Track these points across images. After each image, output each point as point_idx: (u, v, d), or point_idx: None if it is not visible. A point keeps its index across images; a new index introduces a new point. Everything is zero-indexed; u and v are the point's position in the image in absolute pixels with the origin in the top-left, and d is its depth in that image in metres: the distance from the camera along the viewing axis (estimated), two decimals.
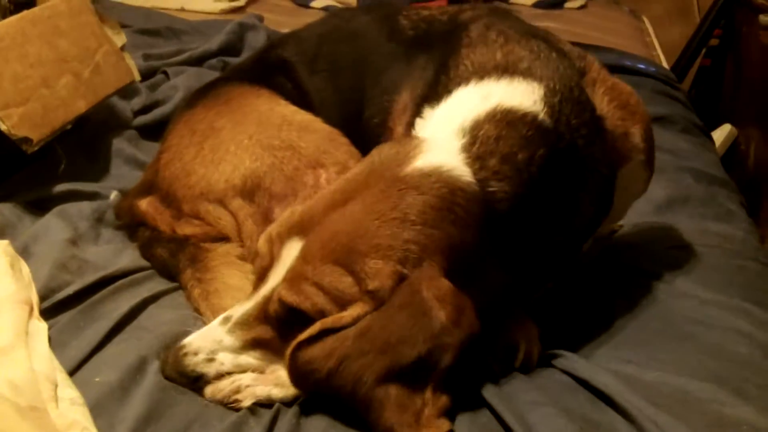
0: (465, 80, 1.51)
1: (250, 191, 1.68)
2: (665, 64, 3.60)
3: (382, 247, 1.28)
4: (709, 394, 1.39)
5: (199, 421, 1.31)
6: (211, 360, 1.36)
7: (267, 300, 1.35)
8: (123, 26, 2.72)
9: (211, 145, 1.75)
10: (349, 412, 1.32)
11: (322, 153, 1.71)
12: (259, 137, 1.72)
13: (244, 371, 1.37)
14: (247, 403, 1.35)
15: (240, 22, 3.17)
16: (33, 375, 1.27)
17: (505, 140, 1.38)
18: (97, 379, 1.35)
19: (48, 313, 1.50)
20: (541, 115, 1.42)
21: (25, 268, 1.54)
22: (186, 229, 1.74)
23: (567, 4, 4.30)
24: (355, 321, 1.26)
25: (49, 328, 1.44)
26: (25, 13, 1.98)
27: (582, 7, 4.31)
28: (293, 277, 1.31)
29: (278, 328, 1.35)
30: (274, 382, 1.37)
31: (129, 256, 1.76)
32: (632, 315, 1.64)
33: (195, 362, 1.36)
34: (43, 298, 1.53)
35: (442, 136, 1.42)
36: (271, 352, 1.37)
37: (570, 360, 1.47)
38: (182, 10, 3.79)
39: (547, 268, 1.50)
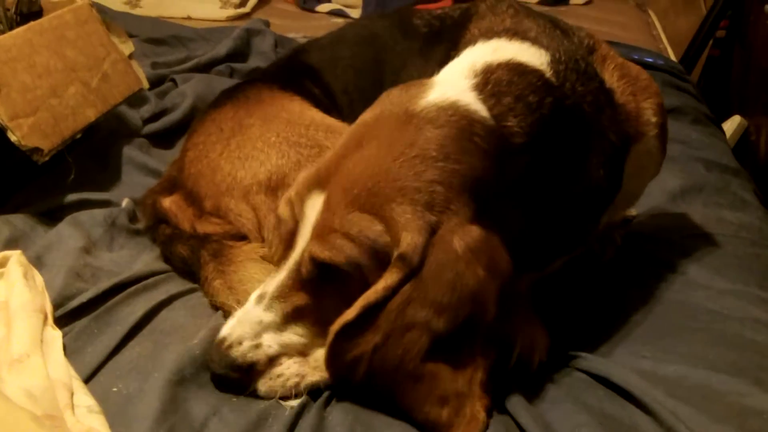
0: (472, 42, 1.51)
1: (274, 187, 1.68)
2: (673, 57, 3.59)
3: (407, 190, 1.25)
4: (729, 386, 1.38)
5: (217, 415, 1.31)
6: (258, 346, 1.34)
7: (299, 265, 1.32)
8: (130, 36, 2.72)
9: (238, 141, 1.76)
10: (374, 405, 1.33)
11: None
12: (287, 135, 1.72)
13: (290, 351, 1.35)
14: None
15: (247, 28, 3.17)
16: (49, 383, 1.27)
17: (516, 84, 1.38)
18: (114, 390, 1.35)
19: (63, 321, 1.50)
20: (548, 74, 1.43)
21: (38, 278, 1.54)
22: (206, 227, 1.74)
23: (573, 0, 4.29)
24: (392, 290, 1.24)
25: (65, 336, 1.44)
26: (31, 24, 1.98)
27: (588, 2, 4.30)
28: (321, 232, 1.28)
29: (314, 292, 1.33)
30: (314, 366, 1.36)
31: (143, 261, 1.76)
32: (648, 308, 1.63)
33: (242, 352, 1.33)
34: (57, 306, 1.53)
35: (452, 77, 1.41)
36: (312, 323, 1.35)
37: (586, 359, 1.46)
38: (188, 18, 3.79)
39: (560, 230, 1.47)
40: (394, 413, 1.32)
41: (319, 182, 1.32)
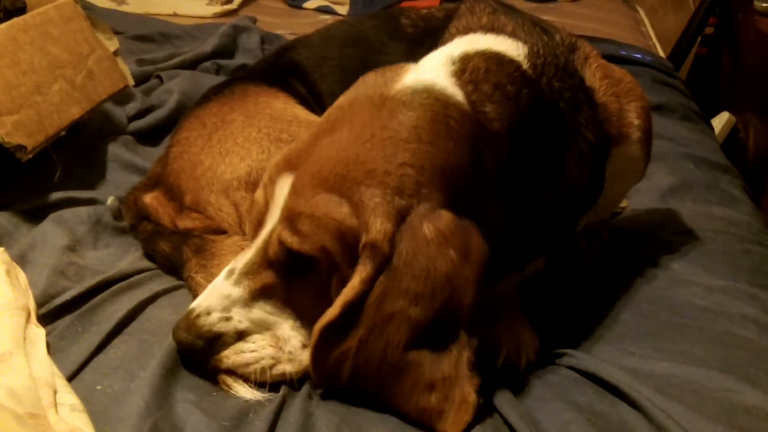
0: (449, 41, 1.51)
1: (254, 183, 1.66)
2: (661, 54, 3.59)
3: (377, 173, 1.23)
4: (718, 382, 1.37)
5: (198, 409, 1.29)
6: (228, 319, 1.32)
7: (267, 244, 1.31)
8: (116, 33, 2.69)
9: (220, 136, 1.75)
10: (361, 404, 1.31)
11: None
12: (268, 131, 1.72)
13: (260, 330, 1.34)
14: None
15: (233, 25, 3.16)
16: (32, 382, 1.25)
17: (494, 73, 1.37)
18: (98, 388, 1.33)
19: (46, 319, 1.49)
20: (525, 66, 1.42)
21: (21, 276, 1.53)
22: (186, 222, 1.73)
23: None
24: (369, 282, 1.23)
25: (48, 334, 1.42)
26: (15, 20, 1.96)
27: None
28: (289, 215, 1.27)
29: (282, 272, 1.32)
30: (288, 357, 1.35)
31: (128, 260, 1.74)
32: (637, 305, 1.62)
33: (210, 322, 1.32)
34: (41, 304, 1.51)
35: (430, 64, 1.40)
36: (281, 302, 1.34)
37: (575, 357, 1.46)
38: (175, 15, 3.77)
39: (537, 228, 1.45)
40: (381, 413, 1.30)
41: (289, 165, 1.31)
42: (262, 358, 1.34)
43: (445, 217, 1.23)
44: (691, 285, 1.67)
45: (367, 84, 1.36)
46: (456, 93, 1.32)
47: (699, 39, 3.97)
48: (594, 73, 1.56)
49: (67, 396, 1.27)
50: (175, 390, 1.33)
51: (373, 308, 1.23)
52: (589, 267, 1.75)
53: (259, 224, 1.35)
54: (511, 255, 1.39)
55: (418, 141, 1.25)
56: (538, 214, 1.42)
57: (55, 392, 1.26)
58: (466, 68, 1.37)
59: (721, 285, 1.67)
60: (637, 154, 1.63)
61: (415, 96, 1.29)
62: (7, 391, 1.22)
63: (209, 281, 1.50)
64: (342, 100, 1.37)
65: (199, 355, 1.34)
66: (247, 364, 1.34)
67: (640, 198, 2.03)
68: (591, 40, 1.90)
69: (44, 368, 1.31)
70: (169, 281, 1.68)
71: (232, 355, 1.34)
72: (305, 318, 1.34)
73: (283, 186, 1.30)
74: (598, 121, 1.51)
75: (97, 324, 1.49)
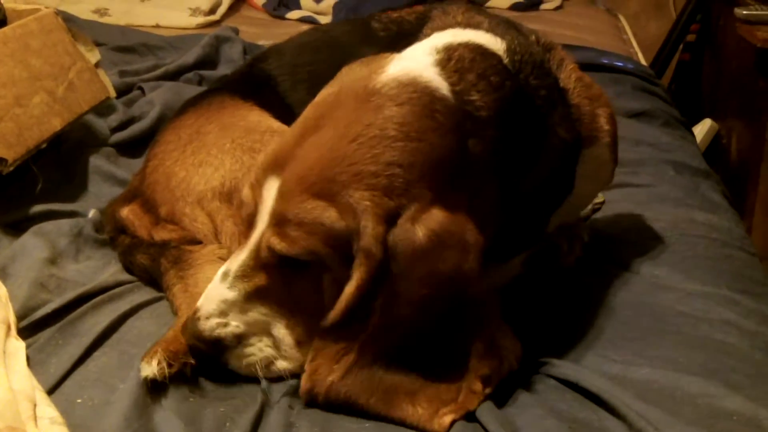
0: (425, 37, 1.51)
1: (228, 193, 1.66)
2: (643, 61, 3.60)
3: (364, 174, 1.22)
4: (699, 388, 1.37)
5: (177, 417, 1.29)
6: (225, 324, 1.34)
7: (258, 247, 1.32)
8: (98, 44, 2.68)
9: (194, 147, 1.75)
10: (340, 414, 1.31)
11: None
12: (242, 141, 1.71)
13: (257, 331, 1.36)
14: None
15: (216, 35, 3.15)
16: (12, 395, 1.25)
17: (479, 63, 1.37)
18: (79, 401, 1.33)
19: (26, 332, 1.48)
20: (505, 60, 1.43)
21: (2, 289, 1.52)
22: (162, 233, 1.72)
23: (543, 5, 4.30)
24: (365, 287, 1.23)
25: (29, 347, 1.42)
26: None
27: (558, 7, 4.31)
28: (277, 221, 1.27)
29: (275, 274, 1.33)
30: (283, 355, 1.37)
31: (109, 272, 1.74)
32: (618, 312, 1.62)
33: (210, 327, 1.33)
34: (21, 317, 1.51)
35: (414, 54, 1.40)
36: (274, 302, 1.35)
37: (556, 365, 1.45)
38: (157, 26, 3.77)
39: (519, 217, 1.45)
40: (361, 424, 1.31)
41: (275, 166, 1.30)
42: (259, 360, 1.36)
43: (437, 215, 1.23)
44: (672, 290, 1.67)
45: (351, 76, 1.36)
46: (441, 85, 1.32)
47: (681, 45, 3.99)
48: (569, 75, 1.57)
49: (47, 409, 1.26)
50: (155, 401, 1.33)
51: (377, 315, 1.24)
52: (570, 272, 1.75)
53: (250, 225, 1.35)
54: (498, 241, 1.39)
55: (405, 138, 1.24)
56: (519, 201, 1.43)
57: (35, 405, 1.26)
58: (451, 57, 1.37)
59: (702, 290, 1.67)
60: (605, 157, 1.65)
61: (401, 90, 1.29)
62: None
63: (186, 292, 1.51)
64: (326, 92, 1.36)
65: (206, 355, 1.36)
66: (249, 366, 1.37)
67: (622, 203, 2.03)
68: (572, 48, 1.90)
69: (24, 381, 1.31)
70: (149, 293, 1.67)
71: (233, 360, 1.37)
72: (299, 315, 1.35)
73: (270, 189, 1.30)
74: (571, 120, 1.53)
75: (77, 336, 1.49)
